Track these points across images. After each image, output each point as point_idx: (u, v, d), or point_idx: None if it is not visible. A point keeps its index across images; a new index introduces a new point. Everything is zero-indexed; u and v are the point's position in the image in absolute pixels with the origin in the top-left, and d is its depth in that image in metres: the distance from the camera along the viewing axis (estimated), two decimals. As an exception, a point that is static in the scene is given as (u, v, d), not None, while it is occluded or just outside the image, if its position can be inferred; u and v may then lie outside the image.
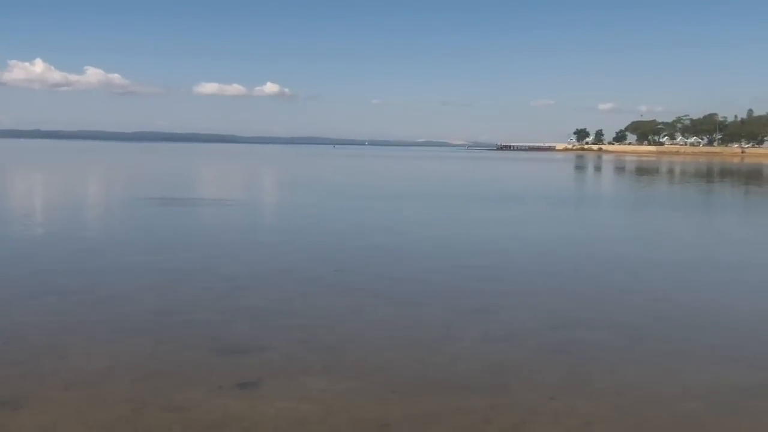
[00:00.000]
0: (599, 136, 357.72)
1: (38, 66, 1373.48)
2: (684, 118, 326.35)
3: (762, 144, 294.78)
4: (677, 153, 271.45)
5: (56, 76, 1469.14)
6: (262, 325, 14.75)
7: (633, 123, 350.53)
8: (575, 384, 11.45)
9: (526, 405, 10.49)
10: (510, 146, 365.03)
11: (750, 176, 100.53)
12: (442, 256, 23.97)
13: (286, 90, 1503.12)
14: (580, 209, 45.89)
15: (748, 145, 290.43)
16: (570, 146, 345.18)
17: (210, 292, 17.49)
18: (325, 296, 17.49)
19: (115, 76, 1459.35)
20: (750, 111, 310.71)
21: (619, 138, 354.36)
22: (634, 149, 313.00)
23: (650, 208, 47.84)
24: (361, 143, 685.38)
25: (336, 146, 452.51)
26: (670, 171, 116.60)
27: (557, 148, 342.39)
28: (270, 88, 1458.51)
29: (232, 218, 35.05)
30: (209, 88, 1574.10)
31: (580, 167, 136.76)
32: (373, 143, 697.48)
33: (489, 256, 24.24)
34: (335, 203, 45.62)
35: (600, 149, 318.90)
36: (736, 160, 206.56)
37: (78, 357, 12.25)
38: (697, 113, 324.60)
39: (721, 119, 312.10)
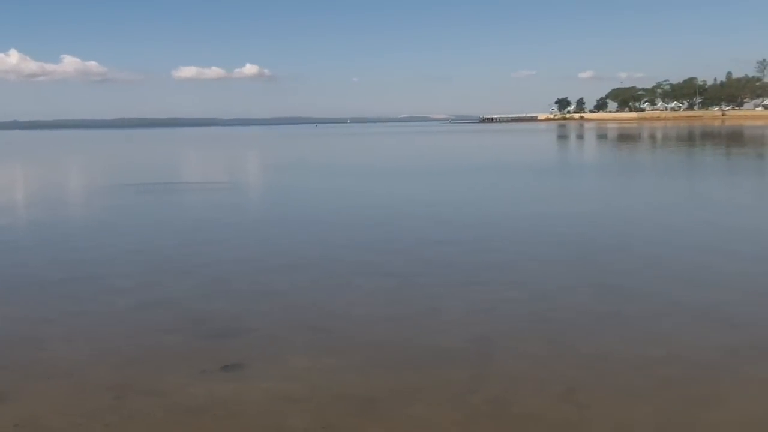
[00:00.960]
0: (580, 105, 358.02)
1: (13, 57, 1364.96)
2: (664, 83, 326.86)
3: (742, 106, 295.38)
4: (658, 118, 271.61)
5: (32, 66, 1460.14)
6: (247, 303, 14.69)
7: (613, 90, 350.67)
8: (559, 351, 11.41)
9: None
10: (492, 118, 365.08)
11: (731, 138, 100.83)
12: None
13: (266, 71, 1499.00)
14: (567, 179, 45.80)
15: (728, 108, 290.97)
16: (552, 116, 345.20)
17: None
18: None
19: (92, 64, 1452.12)
20: (729, 74, 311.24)
21: (600, 106, 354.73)
22: (615, 116, 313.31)
23: (631, 174, 47.84)
24: (343, 121, 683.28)
25: (318, 125, 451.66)
26: (652, 137, 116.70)
27: (539, 118, 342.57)
28: (249, 69, 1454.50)
29: (221, 202, 34.85)
30: (188, 71, 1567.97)
31: (563, 136, 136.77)
32: (356, 121, 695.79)
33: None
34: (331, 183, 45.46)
35: (582, 118, 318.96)
36: (716, 123, 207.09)
37: (59, 347, 12.11)
38: (676, 78, 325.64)
39: (700, 83, 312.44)
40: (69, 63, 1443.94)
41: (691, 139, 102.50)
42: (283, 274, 17.51)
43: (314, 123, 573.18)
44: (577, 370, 10.52)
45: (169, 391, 10.07)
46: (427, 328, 12.75)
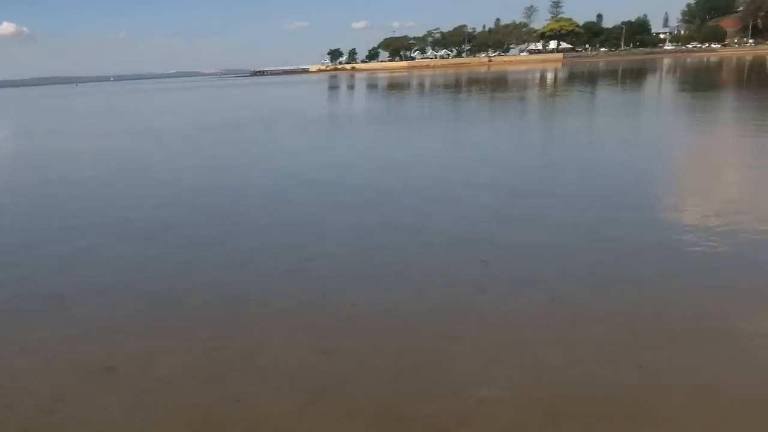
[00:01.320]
0: (353, 55, 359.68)
1: None
2: (434, 31, 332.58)
3: (508, 51, 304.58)
4: (427, 66, 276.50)
5: None
6: None
7: (385, 40, 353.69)
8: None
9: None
10: (264, 71, 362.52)
11: (493, 83, 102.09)
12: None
13: (24, 29, 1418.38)
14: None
15: (495, 54, 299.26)
16: (324, 67, 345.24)
17: None
18: None
19: None
20: (497, 20, 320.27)
21: (372, 56, 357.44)
22: (385, 66, 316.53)
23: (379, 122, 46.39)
24: (105, 79, 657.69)
25: (78, 84, 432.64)
26: (420, 84, 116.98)
27: (311, 69, 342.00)
28: (6, 28, 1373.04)
29: None
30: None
31: (332, 87, 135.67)
32: (120, 78, 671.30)
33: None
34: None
35: (353, 68, 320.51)
36: (483, 68, 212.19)
37: None
38: (448, 26, 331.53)
39: (470, 30, 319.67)
40: None
41: (456, 85, 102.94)
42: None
43: (74, 82, 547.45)
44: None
45: None
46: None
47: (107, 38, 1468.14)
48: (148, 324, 10.83)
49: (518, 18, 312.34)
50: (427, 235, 15.24)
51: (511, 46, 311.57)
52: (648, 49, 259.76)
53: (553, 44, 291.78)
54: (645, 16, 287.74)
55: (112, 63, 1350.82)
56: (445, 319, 10.42)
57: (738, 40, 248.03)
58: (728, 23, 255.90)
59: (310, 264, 13.41)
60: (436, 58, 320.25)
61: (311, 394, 8.34)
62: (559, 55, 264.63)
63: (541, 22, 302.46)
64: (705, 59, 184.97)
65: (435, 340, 9.67)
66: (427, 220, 16.91)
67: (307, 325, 10.36)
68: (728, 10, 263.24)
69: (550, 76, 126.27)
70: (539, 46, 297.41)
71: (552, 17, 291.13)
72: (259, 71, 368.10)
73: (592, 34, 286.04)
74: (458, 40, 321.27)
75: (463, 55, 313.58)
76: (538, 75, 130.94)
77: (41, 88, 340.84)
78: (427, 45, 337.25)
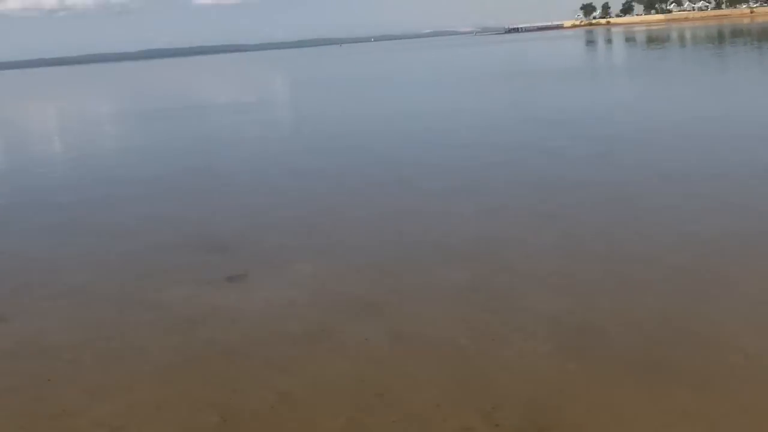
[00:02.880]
0: (606, 10, 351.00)
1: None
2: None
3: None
4: (686, 19, 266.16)
5: (51, 1, 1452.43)
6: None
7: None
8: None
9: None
10: (518, 28, 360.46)
11: (762, 35, 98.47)
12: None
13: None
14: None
15: (756, 5, 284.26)
16: (578, 22, 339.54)
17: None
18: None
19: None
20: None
21: (626, 9, 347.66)
22: (642, 19, 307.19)
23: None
24: (367, 40, 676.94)
25: (342, 45, 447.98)
26: (681, 38, 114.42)
27: (565, 25, 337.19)
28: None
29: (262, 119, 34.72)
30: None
31: (591, 42, 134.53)
32: (380, 39, 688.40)
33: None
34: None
35: (608, 23, 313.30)
36: (745, 21, 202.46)
37: (66, 268, 12.04)
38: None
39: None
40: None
41: (720, 38, 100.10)
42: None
43: (338, 43, 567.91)
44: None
45: (172, 302, 9.97)
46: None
47: (366, 0, 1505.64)
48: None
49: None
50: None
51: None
52: None
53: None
54: None
55: (371, 24, 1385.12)
56: None
57: None
58: None
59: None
60: (693, 10, 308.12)
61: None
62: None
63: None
64: None
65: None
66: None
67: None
68: None
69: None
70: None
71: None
72: (514, 28, 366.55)
73: None
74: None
75: (722, 6, 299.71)
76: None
77: (312, 49, 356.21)
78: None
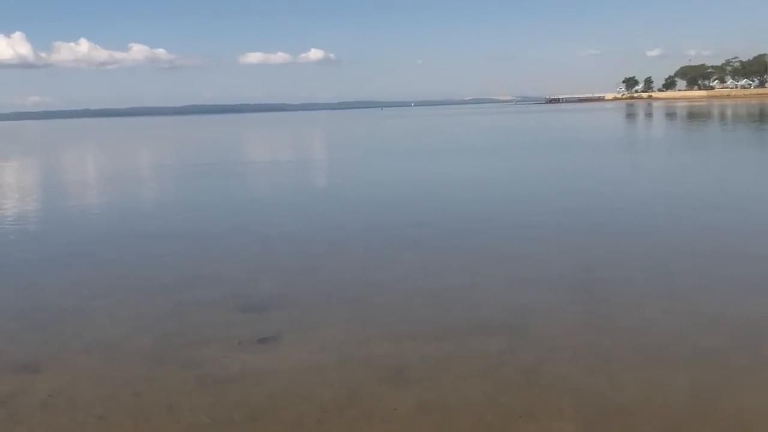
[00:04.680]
0: (648, 84, 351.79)
1: (83, 45, 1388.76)
2: (733, 60, 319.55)
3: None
4: (728, 96, 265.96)
5: (102, 54, 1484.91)
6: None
7: (682, 68, 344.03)
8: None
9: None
10: (558, 99, 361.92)
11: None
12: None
13: (331, 55, 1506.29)
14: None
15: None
16: (619, 95, 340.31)
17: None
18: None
19: (160, 51, 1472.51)
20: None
21: (669, 84, 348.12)
22: (683, 95, 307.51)
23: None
24: (407, 104, 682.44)
25: (383, 108, 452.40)
26: (722, 114, 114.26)
27: (606, 98, 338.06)
28: (315, 54, 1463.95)
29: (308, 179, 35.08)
30: (254, 57, 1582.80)
31: (631, 115, 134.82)
32: (420, 104, 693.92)
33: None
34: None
35: (650, 97, 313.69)
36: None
37: (101, 319, 12.19)
38: (746, 55, 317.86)
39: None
40: (137, 51, 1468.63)
41: (762, 116, 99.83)
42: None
43: (379, 107, 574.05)
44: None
45: (203, 362, 10.05)
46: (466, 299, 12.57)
47: (407, 65, 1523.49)
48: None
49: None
50: None
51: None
52: None
53: None
54: None
55: (412, 88, 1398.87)
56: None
57: None
58: None
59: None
60: (736, 87, 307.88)
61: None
62: None
63: None
64: None
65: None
66: None
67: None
68: None
69: None
70: None
71: None
72: (554, 99, 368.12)
73: None
74: (759, 69, 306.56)
75: (766, 85, 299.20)
76: None
77: (352, 111, 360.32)
78: (726, 74, 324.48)
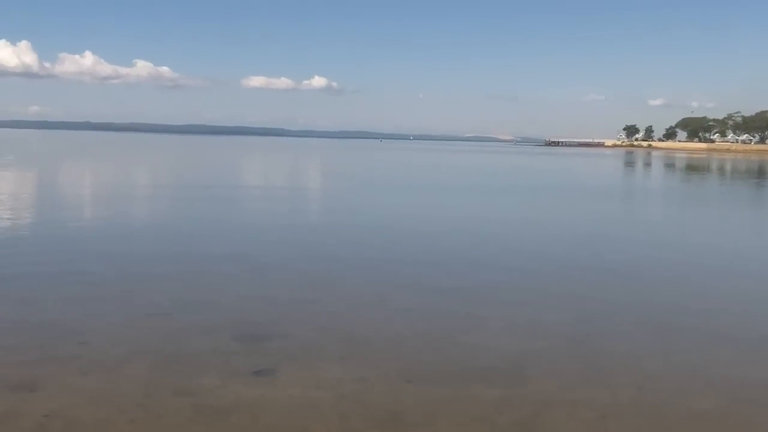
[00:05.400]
0: (649, 133, 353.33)
1: (88, 58, 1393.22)
2: (735, 114, 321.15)
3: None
4: (728, 150, 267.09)
5: (106, 68, 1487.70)
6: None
7: (683, 119, 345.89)
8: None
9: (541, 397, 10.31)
10: (558, 142, 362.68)
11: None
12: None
13: (334, 84, 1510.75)
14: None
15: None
16: (619, 142, 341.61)
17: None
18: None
19: (164, 69, 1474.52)
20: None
21: (669, 135, 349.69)
22: (683, 146, 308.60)
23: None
24: (406, 138, 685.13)
25: (382, 140, 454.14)
26: (720, 168, 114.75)
27: (606, 144, 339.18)
28: (317, 81, 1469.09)
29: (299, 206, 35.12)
30: (257, 81, 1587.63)
31: (629, 163, 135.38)
32: (419, 138, 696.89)
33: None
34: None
35: (650, 146, 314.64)
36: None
37: (98, 342, 12.21)
38: (749, 110, 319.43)
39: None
40: (142, 67, 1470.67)
41: (761, 173, 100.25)
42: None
43: (379, 138, 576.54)
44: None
45: (198, 391, 10.09)
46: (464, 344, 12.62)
47: (408, 97, 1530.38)
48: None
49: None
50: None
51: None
52: None
53: None
54: None
55: (412, 122, 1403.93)
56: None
57: None
58: None
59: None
60: (737, 142, 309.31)
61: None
62: None
63: None
64: None
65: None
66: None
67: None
68: None
69: None
70: None
71: None
72: (554, 141, 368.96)
73: None
74: (761, 125, 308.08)
75: (767, 142, 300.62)
76: None
77: (351, 141, 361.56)
78: (728, 128, 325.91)
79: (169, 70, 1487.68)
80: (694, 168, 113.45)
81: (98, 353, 11.63)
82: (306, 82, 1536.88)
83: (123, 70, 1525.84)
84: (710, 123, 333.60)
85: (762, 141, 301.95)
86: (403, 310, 15.18)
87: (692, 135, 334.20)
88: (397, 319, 14.41)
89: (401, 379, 10.79)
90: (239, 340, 12.54)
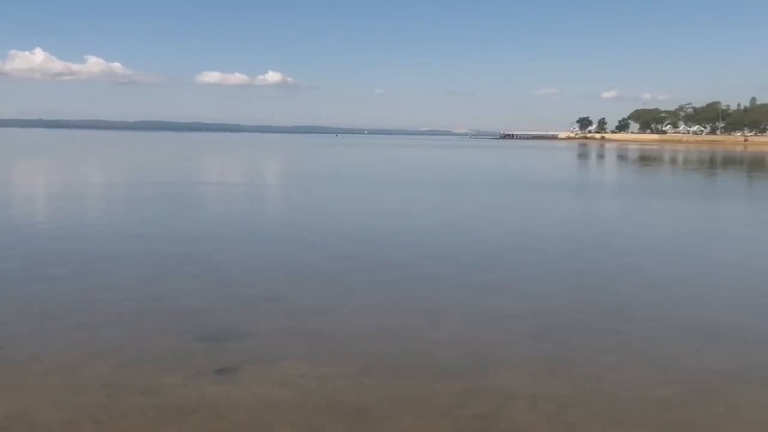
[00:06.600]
0: (602, 125, 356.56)
1: (38, 55, 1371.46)
2: (687, 106, 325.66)
3: (765, 132, 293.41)
4: (680, 141, 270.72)
5: (57, 65, 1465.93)
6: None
7: (636, 111, 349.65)
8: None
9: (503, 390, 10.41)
10: (513, 135, 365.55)
11: (753, 164, 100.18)
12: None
13: (289, 79, 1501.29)
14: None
15: (751, 134, 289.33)
16: (573, 135, 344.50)
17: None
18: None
19: (117, 66, 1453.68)
20: (753, 99, 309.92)
21: (622, 126, 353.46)
22: (636, 137, 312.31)
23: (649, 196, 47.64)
24: (360, 132, 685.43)
25: (338, 135, 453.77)
26: (672, 159, 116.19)
27: (560, 136, 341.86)
28: (272, 76, 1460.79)
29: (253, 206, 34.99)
30: (211, 77, 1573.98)
31: (583, 155, 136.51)
32: (375, 132, 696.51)
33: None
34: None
35: (603, 138, 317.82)
36: (738, 148, 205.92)
37: (58, 344, 12.12)
38: (700, 102, 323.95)
39: (724, 108, 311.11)
40: (93, 64, 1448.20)
41: (712, 163, 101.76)
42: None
43: (334, 133, 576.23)
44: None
45: (161, 391, 10.07)
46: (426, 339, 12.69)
47: (366, 93, 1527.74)
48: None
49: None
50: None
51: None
52: None
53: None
54: None
55: (369, 116, 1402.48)
56: None
57: None
58: None
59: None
60: (688, 133, 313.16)
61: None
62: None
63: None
64: None
65: None
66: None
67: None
68: None
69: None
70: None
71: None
72: (509, 134, 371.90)
73: None
74: (712, 116, 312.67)
75: (717, 132, 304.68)
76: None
77: (306, 136, 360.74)
78: (679, 119, 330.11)
79: (121, 66, 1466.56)
80: (646, 159, 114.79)
81: (58, 355, 11.53)
82: (261, 77, 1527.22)
83: (75, 67, 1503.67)
84: (662, 115, 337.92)
85: (713, 132, 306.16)
86: (365, 306, 15.22)
87: (645, 127, 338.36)
88: (359, 315, 14.44)
89: (364, 375, 10.84)
90: (202, 339, 12.50)
